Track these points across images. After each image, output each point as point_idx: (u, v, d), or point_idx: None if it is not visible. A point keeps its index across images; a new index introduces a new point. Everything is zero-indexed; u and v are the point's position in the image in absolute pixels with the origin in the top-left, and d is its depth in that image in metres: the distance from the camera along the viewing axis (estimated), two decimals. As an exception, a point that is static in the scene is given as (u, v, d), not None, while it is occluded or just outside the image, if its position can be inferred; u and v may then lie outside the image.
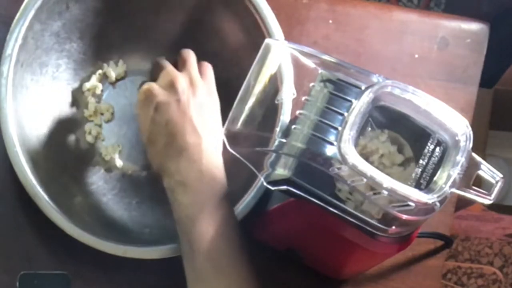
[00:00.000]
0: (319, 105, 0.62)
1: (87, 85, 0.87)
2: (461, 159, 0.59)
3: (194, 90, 0.73)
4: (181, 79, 0.73)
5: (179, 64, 0.77)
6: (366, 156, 0.62)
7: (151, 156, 0.73)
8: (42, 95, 0.82)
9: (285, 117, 0.76)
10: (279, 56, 0.66)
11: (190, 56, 0.77)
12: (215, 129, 0.73)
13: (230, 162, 0.72)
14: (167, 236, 0.78)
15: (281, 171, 0.63)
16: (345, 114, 0.60)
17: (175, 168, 0.70)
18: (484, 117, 1.30)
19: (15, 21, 0.77)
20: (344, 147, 0.58)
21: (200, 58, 0.79)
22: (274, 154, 0.63)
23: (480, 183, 0.61)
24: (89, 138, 0.86)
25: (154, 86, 0.72)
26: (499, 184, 0.61)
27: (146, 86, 0.73)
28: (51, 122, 0.83)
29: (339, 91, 0.62)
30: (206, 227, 0.68)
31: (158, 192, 0.75)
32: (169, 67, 0.75)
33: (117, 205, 0.85)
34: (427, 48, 0.92)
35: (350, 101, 0.61)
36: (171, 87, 0.72)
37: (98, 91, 0.87)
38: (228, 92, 0.74)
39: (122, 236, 0.78)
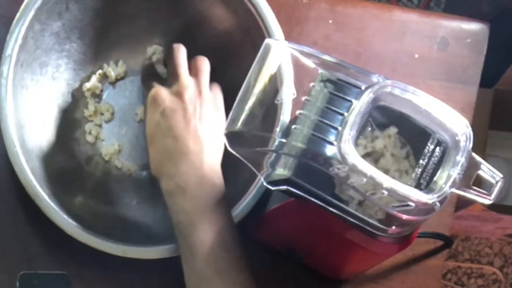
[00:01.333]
0: (319, 105, 0.62)
1: (87, 85, 0.87)
2: (461, 159, 0.59)
3: (202, 102, 0.74)
4: (190, 90, 0.74)
5: (192, 71, 0.77)
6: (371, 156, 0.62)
7: (152, 157, 0.74)
8: (42, 95, 0.82)
9: (285, 117, 0.76)
10: (279, 56, 0.65)
11: (204, 66, 0.78)
12: (216, 141, 0.73)
13: (230, 162, 0.72)
14: (167, 236, 0.78)
15: (281, 171, 0.63)
16: (345, 114, 0.60)
17: (174, 171, 0.71)
18: (484, 117, 1.30)
19: (15, 21, 0.77)
20: (344, 147, 0.58)
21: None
22: (274, 154, 0.63)
23: (480, 183, 0.61)
24: (89, 138, 0.86)
25: (163, 91, 0.74)
26: (499, 184, 0.61)
27: (155, 90, 0.74)
28: (51, 122, 0.83)
29: (339, 91, 0.62)
30: (204, 232, 0.68)
31: (158, 192, 0.75)
32: (181, 74, 0.75)
33: (117, 205, 0.85)
34: (427, 48, 0.92)
35: (350, 101, 0.61)
36: (179, 96, 0.73)
37: (98, 91, 0.87)
38: (228, 92, 0.74)
39: (122, 236, 0.78)
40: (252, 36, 0.82)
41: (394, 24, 0.93)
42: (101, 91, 0.88)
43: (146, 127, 0.75)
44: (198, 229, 0.69)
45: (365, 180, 0.58)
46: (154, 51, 0.87)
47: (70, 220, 0.75)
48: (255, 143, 0.65)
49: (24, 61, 0.78)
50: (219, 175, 0.72)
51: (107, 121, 0.88)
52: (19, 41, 0.77)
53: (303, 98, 0.64)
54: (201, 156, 0.71)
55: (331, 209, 0.62)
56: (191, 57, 0.79)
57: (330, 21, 0.91)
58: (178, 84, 0.75)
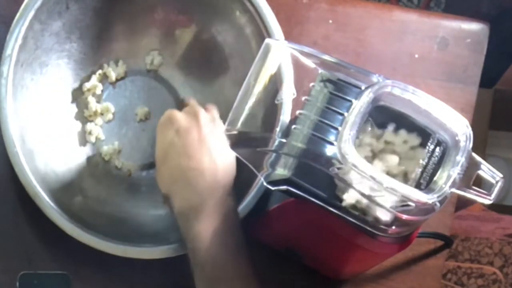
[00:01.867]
0: (319, 105, 0.62)
1: (87, 85, 0.87)
2: (461, 159, 0.59)
3: (215, 126, 0.74)
4: (204, 114, 0.74)
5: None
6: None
7: (163, 176, 0.73)
8: (42, 95, 0.82)
9: (285, 117, 0.76)
10: (279, 56, 0.66)
11: (215, 108, 0.78)
12: (230, 161, 0.72)
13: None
14: (167, 236, 0.78)
15: (281, 171, 0.63)
16: (345, 114, 0.60)
17: (188, 191, 0.70)
18: (484, 117, 1.30)
19: (15, 21, 0.77)
20: (344, 147, 0.58)
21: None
22: (274, 154, 0.63)
23: (480, 183, 0.61)
24: (89, 138, 0.86)
25: (178, 113, 0.74)
26: (499, 184, 0.61)
27: (169, 111, 0.75)
28: (51, 122, 0.83)
29: (339, 91, 0.62)
30: (218, 252, 0.69)
31: (158, 192, 0.75)
32: (195, 103, 0.77)
33: (117, 205, 0.85)
34: (427, 48, 0.92)
35: (350, 101, 0.61)
36: (195, 117, 0.73)
37: (98, 91, 0.87)
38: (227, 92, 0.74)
39: (122, 236, 0.78)
40: (252, 36, 0.82)
41: (394, 24, 0.93)
42: (101, 91, 0.88)
43: (157, 147, 0.74)
44: (210, 249, 0.68)
45: (365, 180, 0.58)
46: (152, 57, 0.88)
47: (70, 220, 0.75)
48: (255, 143, 0.65)
49: (24, 61, 0.78)
50: (232, 194, 0.72)
51: (107, 121, 0.88)
52: (19, 41, 0.77)
53: (303, 98, 0.64)
54: (216, 174, 0.70)
55: (331, 209, 0.62)
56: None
57: (330, 21, 0.91)
58: (192, 108, 0.75)
